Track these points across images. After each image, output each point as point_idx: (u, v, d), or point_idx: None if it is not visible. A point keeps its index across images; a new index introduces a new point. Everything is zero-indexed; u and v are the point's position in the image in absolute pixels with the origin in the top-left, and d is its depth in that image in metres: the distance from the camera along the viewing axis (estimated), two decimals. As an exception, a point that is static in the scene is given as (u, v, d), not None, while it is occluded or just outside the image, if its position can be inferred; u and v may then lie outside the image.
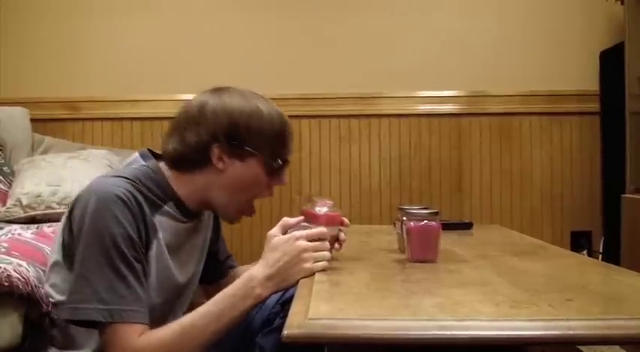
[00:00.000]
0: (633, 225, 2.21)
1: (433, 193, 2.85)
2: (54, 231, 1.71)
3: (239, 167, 1.17)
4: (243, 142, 1.16)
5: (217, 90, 1.20)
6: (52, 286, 1.17)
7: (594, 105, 2.77)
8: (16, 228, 1.79)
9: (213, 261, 1.39)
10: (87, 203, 1.06)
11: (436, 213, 1.15)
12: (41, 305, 1.21)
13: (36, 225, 1.95)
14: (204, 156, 1.16)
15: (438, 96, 2.85)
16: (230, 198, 1.20)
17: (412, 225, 1.12)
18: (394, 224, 1.35)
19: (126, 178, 1.12)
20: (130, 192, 1.09)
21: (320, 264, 1.05)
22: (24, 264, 1.34)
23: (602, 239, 2.66)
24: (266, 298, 1.09)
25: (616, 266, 1.13)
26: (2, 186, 2.28)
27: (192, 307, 1.11)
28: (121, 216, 1.05)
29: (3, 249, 1.41)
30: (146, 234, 1.11)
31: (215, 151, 1.15)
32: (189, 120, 1.17)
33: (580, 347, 1.16)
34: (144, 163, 1.20)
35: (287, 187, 2.74)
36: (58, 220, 1.94)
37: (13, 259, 1.34)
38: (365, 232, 1.68)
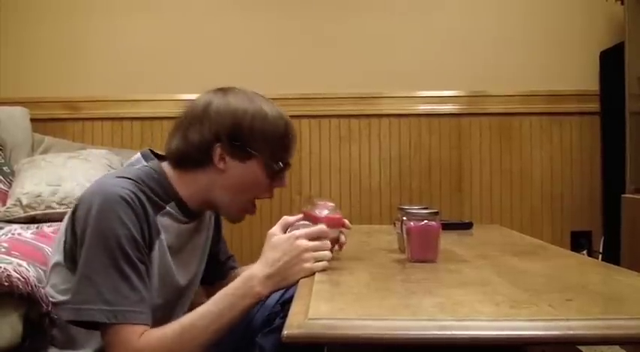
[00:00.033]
0: (633, 225, 2.21)
1: (433, 193, 2.85)
2: (54, 230, 1.72)
3: (240, 168, 1.17)
4: (246, 143, 1.16)
5: (223, 91, 1.20)
6: (53, 286, 1.17)
7: (594, 105, 2.77)
8: (16, 228, 1.79)
9: (214, 262, 1.39)
10: (91, 204, 1.06)
11: (436, 213, 1.14)
12: (41, 305, 1.20)
13: (36, 225, 1.95)
14: (206, 156, 1.16)
15: (438, 96, 2.85)
16: (232, 197, 1.20)
17: (412, 225, 1.12)
18: (394, 224, 1.35)
19: (129, 179, 1.12)
20: (133, 193, 1.08)
21: (320, 264, 1.05)
22: (24, 263, 1.34)
23: (602, 239, 2.66)
24: (266, 297, 1.09)
25: (616, 266, 1.13)
26: (2, 186, 2.28)
27: (192, 308, 1.11)
28: (126, 218, 1.05)
29: (3, 249, 1.41)
30: (149, 234, 1.11)
31: (217, 151, 1.15)
32: (193, 118, 1.17)
33: (580, 347, 1.16)
34: (146, 164, 1.20)
35: (287, 187, 2.72)
36: (58, 220, 1.96)
37: (13, 259, 1.34)
38: (365, 232, 1.68)
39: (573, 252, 1.72)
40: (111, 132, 2.90)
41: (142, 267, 1.06)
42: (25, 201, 2.12)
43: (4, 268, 1.25)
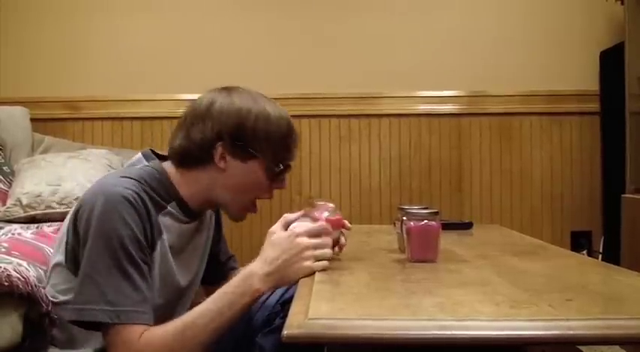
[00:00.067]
0: (633, 225, 2.21)
1: (433, 193, 2.85)
2: (54, 230, 1.72)
3: (240, 167, 1.17)
4: (248, 143, 1.16)
5: (227, 90, 1.20)
6: (53, 286, 1.17)
7: (594, 105, 2.77)
8: (16, 228, 1.79)
9: (214, 262, 1.39)
10: (94, 204, 1.06)
11: (436, 213, 1.14)
12: (41, 305, 1.20)
13: (36, 225, 1.95)
14: (207, 154, 1.16)
15: (438, 96, 2.85)
16: (233, 197, 1.20)
17: (412, 225, 1.12)
18: (394, 224, 1.35)
19: (132, 178, 1.11)
20: (136, 192, 1.08)
21: (320, 263, 1.05)
22: (24, 263, 1.34)
23: (602, 239, 2.66)
24: (267, 296, 1.08)
25: (616, 266, 1.13)
26: (2, 186, 2.28)
27: (193, 308, 1.11)
28: (128, 218, 1.05)
29: (3, 249, 1.41)
30: (152, 234, 1.11)
31: (218, 150, 1.15)
32: (196, 116, 1.17)
33: (580, 347, 1.16)
34: (147, 163, 1.20)
35: (287, 187, 2.73)
36: (58, 220, 1.96)
37: (13, 259, 1.34)
38: (365, 232, 1.68)
39: (573, 252, 1.72)
40: (111, 132, 2.90)
41: (144, 267, 1.06)
42: (25, 201, 2.12)
43: (4, 268, 1.25)
